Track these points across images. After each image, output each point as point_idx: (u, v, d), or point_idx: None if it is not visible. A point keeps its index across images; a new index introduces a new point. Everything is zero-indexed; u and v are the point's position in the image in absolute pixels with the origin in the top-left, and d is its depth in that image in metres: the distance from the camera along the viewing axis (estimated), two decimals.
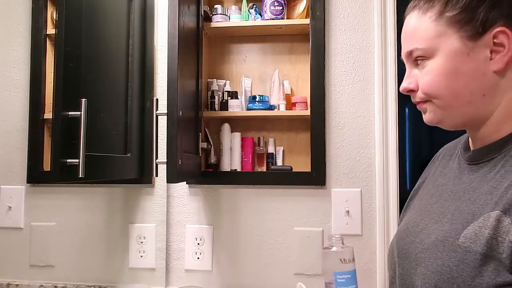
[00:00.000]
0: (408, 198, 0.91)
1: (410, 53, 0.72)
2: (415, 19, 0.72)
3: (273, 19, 1.48)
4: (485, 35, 0.67)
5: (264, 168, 1.53)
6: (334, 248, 0.84)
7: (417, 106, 0.76)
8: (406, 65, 0.75)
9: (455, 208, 0.69)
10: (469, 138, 0.79)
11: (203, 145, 1.46)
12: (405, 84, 0.75)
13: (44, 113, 1.30)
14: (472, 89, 0.68)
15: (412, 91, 0.74)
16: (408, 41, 0.73)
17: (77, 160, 0.94)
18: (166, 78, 1.18)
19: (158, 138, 1.30)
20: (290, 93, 1.54)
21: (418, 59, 0.72)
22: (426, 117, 0.75)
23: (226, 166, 1.51)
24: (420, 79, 0.72)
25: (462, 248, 0.62)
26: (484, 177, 0.69)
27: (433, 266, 0.65)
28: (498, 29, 0.67)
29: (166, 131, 1.17)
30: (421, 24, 0.71)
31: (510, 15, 0.67)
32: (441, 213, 0.72)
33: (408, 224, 0.80)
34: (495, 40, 0.67)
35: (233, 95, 1.52)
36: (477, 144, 0.75)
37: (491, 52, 0.67)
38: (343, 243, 0.85)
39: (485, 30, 0.67)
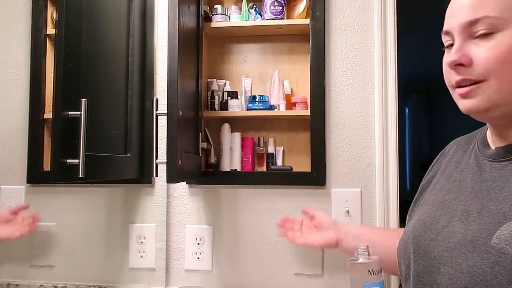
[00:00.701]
0: (418, 193, 0.89)
1: (472, 23, 0.66)
2: None
3: (273, 19, 1.48)
4: None
5: (264, 168, 1.53)
6: (360, 260, 0.83)
7: (461, 89, 0.68)
8: (456, 38, 0.68)
9: (481, 206, 0.67)
10: (487, 133, 0.77)
11: (203, 145, 1.46)
12: (456, 57, 0.67)
13: (44, 113, 1.30)
14: None
15: (462, 65, 0.67)
16: (474, 9, 0.66)
17: (77, 160, 0.94)
18: (166, 78, 1.18)
19: (158, 138, 1.30)
20: (290, 93, 1.54)
21: (482, 30, 0.65)
22: (472, 102, 0.67)
23: (226, 166, 1.51)
24: (481, 53, 0.65)
25: (496, 250, 0.60)
26: (509, 176, 0.66)
27: (462, 267, 0.63)
28: None
29: (166, 131, 1.17)
30: None
31: None
32: (464, 211, 0.69)
33: (425, 220, 0.77)
34: None
35: (233, 95, 1.52)
36: (499, 141, 0.72)
37: None
38: (369, 254, 0.84)
39: None
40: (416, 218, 0.81)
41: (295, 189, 1.45)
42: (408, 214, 0.91)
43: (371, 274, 0.81)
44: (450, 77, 0.71)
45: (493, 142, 0.74)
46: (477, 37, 0.66)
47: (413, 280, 0.74)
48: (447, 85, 0.74)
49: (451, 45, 0.71)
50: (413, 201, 0.91)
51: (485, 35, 0.65)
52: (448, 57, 0.69)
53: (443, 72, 0.74)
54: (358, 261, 0.83)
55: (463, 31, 0.67)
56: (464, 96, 0.68)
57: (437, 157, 0.92)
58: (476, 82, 0.66)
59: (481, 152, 0.75)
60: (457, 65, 0.68)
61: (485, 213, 0.66)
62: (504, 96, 0.66)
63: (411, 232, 0.79)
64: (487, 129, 0.80)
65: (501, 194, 0.65)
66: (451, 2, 0.73)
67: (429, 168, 0.92)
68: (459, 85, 0.69)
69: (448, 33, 0.71)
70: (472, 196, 0.70)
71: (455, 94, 0.71)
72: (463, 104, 0.69)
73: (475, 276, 0.61)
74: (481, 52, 0.65)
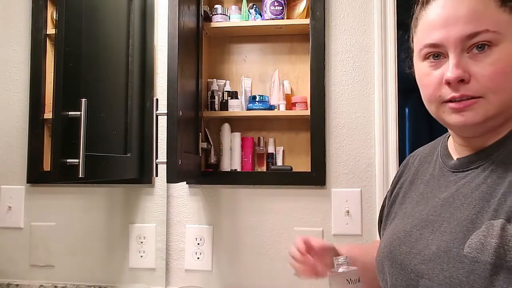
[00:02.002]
0: (388, 206, 0.89)
1: (472, 36, 0.63)
2: None
3: (273, 19, 1.48)
4: None
5: (264, 168, 1.53)
6: (340, 270, 0.84)
7: (456, 104, 0.66)
8: (452, 52, 0.65)
9: (449, 215, 0.68)
10: (448, 144, 0.78)
11: (203, 145, 1.46)
12: (459, 73, 0.64)
13: (44, 113, 1.31)
14: None
15: (462, 82, 0.64)
16: (472, 22, 0.63)
17: (77, 160, 0.95)
18: (166, 78, 1.19)
19: (158, 138, 1.30)
20: (290, 93, 1.54)
21: (480, 44, 0.63)
22: (469, 118, 0.66)
23: (226, 166, 1.51)
24: (480, 69, 0.64)
25: (469, 259, 0.61)
26: (472, 182, 0.68)
27: (440, 278, 0.64)
28: None
29: (166, 131, 1.17)
30: (488, 6, 0.64)
31: None
32: (434, 221, 0.70)
33: (398, 233, 0.77)
34: None
35: (233, 95, 1.52)
36: (463, 151, 0.73)
37: None
38: (348, 264, 0.85)
39: None
40: (389, 233, 0.81)
41: (295, 189, 1.45)
42: (382, 228, 0.91)
43: (349, 283, 0.81)
44: (439, 91, 0.68)
45: (457, 152, 0.75)
46: (471, 51, 0.64)
47: None
48: (428, 98, 0.71)
49: (436, 57, 0.68)
50: (384, 216, 0.90)
51: (483, 50, 0.64)
52: (447, 72, 0.65)
53: (424, 84, 0.71)
54: (338, 271, 0.84)
55: (460, 44, 0.65)
56: (458, 110, 0.67)
57: (401, 169, 0.92)
58: (473, 97, 0.65)
59: (445, 163, 0.76)
60: (458, 82, 0.64)
61: (453, 222, 0.66)
62: (499, 111, 0.65)
63: (385, 247, 0.79)
64: (447, 139, 0.80)
65: (466, 201, 0.66)
66: (431, 9, 0.69)
67: (394, 181, 0.91)
68: (452, 100, 0.67)
69: (437, 45, 0.67)
70: (439, 206, 0.71)
71: (444, 108, 0.68)
72: (455, 119, 0.67)
73: (453, 286, 0.62)
74: (481, 69, 0.64)
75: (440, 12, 0.67)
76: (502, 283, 0.57)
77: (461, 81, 0.64)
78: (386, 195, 0.95)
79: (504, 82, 0.63)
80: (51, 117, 1.05)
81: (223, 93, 1.54)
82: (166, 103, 1.18)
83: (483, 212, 0.63)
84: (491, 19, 0.63)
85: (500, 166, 0.66)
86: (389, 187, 0.95)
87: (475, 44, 0.64)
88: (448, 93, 0.66)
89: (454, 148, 0.76)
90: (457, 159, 0.74)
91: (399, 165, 1.43)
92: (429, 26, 0.69)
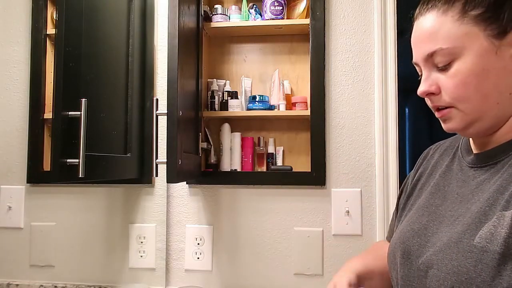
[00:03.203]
0: (405, 197, 0.89)
1: (431, 55, 0.69)
2: (433, 20, 0.69)
3: (273, 19, 1.48)
4: (511, 33, 0.66)
5: (264, 168, 1.53)
6: None
7: (438, 113, 0.72)
8: (422, 69, 0.72)
9: (465, 210, 0.69)
10: (469, 139, 0.79)
11: (203, 145, 1.46)
12: (425, 87, 0.71)
13: (44, 113, 1.31)
14: (501, 89, 0.67)
15: (433, 94, 0.71)
16: (429, 42, 0.69)
17: (77, 160, 0.94)
18: (166, 78, 1.19)
19: (158, 138, 1.30)
20: (290, 93, 1.54)
21: (441, 60, 0.69)
22: (450, 125, 0.71)
23: (226, 166, 1.51)
24: (444, 82, 0.69)
25: (478, 248, 0.61)
26: (491, 178, 0.68)
27: (448, 268, 0.64)
28: None
29: (166, 131, 1.17)
30: (443, 24, 0.68)
31: None
32: (451, 216, 0.71)
33: (412, 225, 0.78)
34: None
35: (233, 95, 1.52)
36: (479, 147, 0.74)
37: None
38: None
39: (511, 28, 0.66)
40: (404, 224, 0.82)
41: (295, 189, 1.45)
42: (396, 219, 0.91)
43: None
44: (427, 101, 0.75)
45: (475, 148, 0.76)
46: (438, 66, 0.70)
47: (401, 285, 0.75)
48: None
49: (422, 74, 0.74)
50: (400, 207, 0.91)
51: (444, 64, 0.69)
52: (420, 86, 0.73)
53: None
54: None
55: (426, 62, 0.71)
56: (441, 119, 0.73)
57: (420, 161, 0.93)
58: (446, 107, 0.70)
59: (464, 158, 0.78)
60: (428, 95, 0.72)
61: (468, 215, 0.67)
62: (475, 116, 0.69)
63: (398, 239, 0.80)
64: None
65: (483, 195, 0.67)
66: (412, 31, 0.75)
67: (413, 172, 0.92)
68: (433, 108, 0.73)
69: (416, 63, 0.74)
70: (458, 202, 0.72)
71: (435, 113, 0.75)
72: (443, 125, 0.73)
73: (460, 275, 0.62)
74: (444, 81, 0.69)
75: (413, 33, 0.74)
76: (509, 273, 0.58)
77: (433, 94, 0.71)
78: (404, 184, 0.95)
79: (466, 92, 0.67)
80: (51, 117, 1.04)
81: (223, 93, 1.54)
82: (166, 103, 1.18)
83: (496, 204, 0.64)
84: (445, 36, 0.68)
85: None
86: (408, 178, 0.94)
87: (439, 61, 0.69)
88: (429, 103, 0.74)
89: (473, 143, 0.77)
90: (475, 154, 0.75)
91: (399, 165, 1.44)
92: (411, 45, 0.75)
